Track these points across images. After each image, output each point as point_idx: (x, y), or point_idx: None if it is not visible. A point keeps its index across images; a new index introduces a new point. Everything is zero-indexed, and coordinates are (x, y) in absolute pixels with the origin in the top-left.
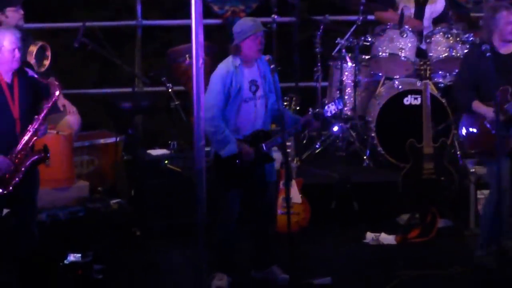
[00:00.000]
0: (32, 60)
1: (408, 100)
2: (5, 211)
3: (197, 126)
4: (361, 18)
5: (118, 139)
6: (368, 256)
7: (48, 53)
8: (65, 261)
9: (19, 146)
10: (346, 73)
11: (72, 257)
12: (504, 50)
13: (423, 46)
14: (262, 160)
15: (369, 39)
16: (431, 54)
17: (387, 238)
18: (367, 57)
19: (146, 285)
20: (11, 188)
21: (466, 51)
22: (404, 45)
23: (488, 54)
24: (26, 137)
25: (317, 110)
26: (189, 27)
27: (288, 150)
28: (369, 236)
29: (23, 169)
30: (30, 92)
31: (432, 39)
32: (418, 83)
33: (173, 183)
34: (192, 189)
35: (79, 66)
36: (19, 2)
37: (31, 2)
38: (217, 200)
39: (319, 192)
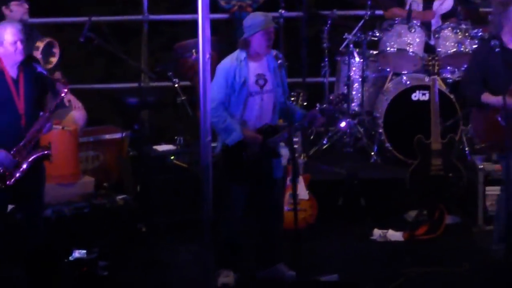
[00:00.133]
0: (38, 55)
1: (416, 95)
2: (10, 207)
3: (203, 122)
4: (369, 13)
5: (124, 134)
6: (375, 253)
7: (56, 50)
8: (70, 258)
9: (23, 142)
10: (354, 69)
11: (77, 254)
12: None
13: (432, 41)
14: (268, 155)
15: (377, 34)
16: (439, 50)
17: (394, 235)
18: (375, 52)
19: (152, 282)
20: (11, 183)
21: (474, 46)
22: (412, 40)
23: (497, 49)
24: (30, 133)
25: (324, 105)
26: (195, 22)
27: (295, 146)
28: (377, 232)
29: (24, 165)
30: (35, 87)
31: (441, 34)
32: (426, 79)
33: (179, 179)
34: (198, 185)
35: (85, 61)
36: None
37: None
38: (223, 196)
39: (326, 188)
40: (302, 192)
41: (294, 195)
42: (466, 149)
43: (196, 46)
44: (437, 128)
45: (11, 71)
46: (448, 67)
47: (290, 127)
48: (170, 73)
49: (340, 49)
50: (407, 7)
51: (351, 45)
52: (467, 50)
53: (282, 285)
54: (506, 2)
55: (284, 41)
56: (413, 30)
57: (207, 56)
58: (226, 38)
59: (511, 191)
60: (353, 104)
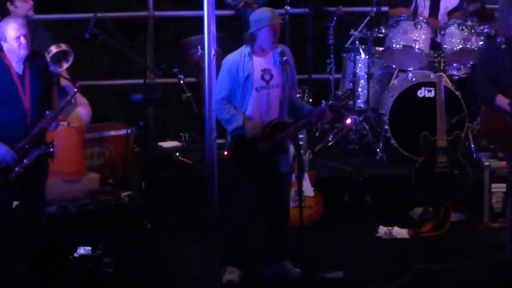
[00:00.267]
0: (47, 58)
1: (422, 92)
2: (15, 203)
3: (209, 118)
4: (374, 9)
5: (129, 131)
6: (380, 250)
7: (70, 58)
8: (75, 254)
9: (27, 139)
10: (360, 65)
11: (83, 250)
12: None
13: (438, 38)
14: (277, 150)
15: (383, 31)
16: (445, 46)
17: (400, 232)
18: (380, 49)
19: (157, 279)
20: (11, 177)
21: (480, 43)
22: (418, 37)
23: (503, 46)
24: (36, 131)
25: (332, 102)
26: (201, 18)
27: (301, 143)
28: (382, 229)
29: (25, 161)
30: (41, 82)
31: (447, 31)
32: (432, 76)
33: (185, 176)
34: (203, 182)
35: (90, 57)
36: None
37: None
38: (230, 191)
39: (331, 185)
40: (308, 189)
41: (300, 191)
42: (472, 146)
43: (201, 42)
44: (443, 125)
45: (17, 67)
46: (454, 64)
47: (298, 124)
48: (176, 69)
49: (346, 45)
50: (413, 5)
51: (357, 42)
52: (473, 47)
53: (287, 282)
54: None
55: (289, 37)
56: (419, 27)
57: (213, 52)
58: (232, 34)
59: None
60: (358, 101)
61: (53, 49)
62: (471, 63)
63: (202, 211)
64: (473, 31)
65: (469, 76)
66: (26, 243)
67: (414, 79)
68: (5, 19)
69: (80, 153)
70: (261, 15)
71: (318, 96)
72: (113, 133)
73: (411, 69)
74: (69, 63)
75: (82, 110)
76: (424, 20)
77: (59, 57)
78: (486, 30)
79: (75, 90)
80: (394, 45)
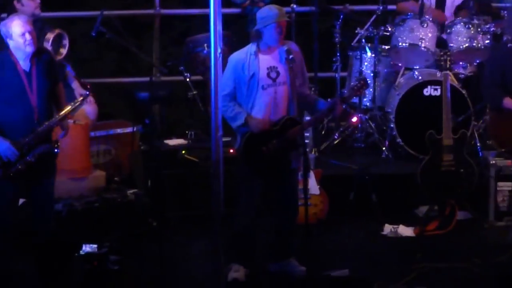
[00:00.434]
0: (48, 47)
1: (428, 91)
2: (21, 201)
3: (215, 116)
4: (381, 7)
5: (135, 128)
6: (386, 249)
7: (66, 42)
8: (81, 252)
9: (32, 136)
10: (366, 64)
11: (88, 248)
12: None
13: (444, 37)
14: (289, 147)
15: (389, 29)
16: (451, 45)
17: (405, 230)
18: (387, 47)
19: (163, 276)
20: (12, 173)
21: (487, 41)
22: (425, 35)
23: (509, 45)
24: (41, 129)
25: (344, 94)
26: (207, 16)
27: (307, 141)
28: (387, 228)
29: (28, 157)
30: (48, 79)
31: (453, 29)
32: (438, 74)
33: (190, 174)
34: (209, 180)
35: (96, 55)
36: None
37: None
38: (238, 188)
39: (337, 183)
40: (313, 187)
41: (305, 190)
42: (478, 144)
43: (207, 40)
44: (449, 124)
45: (24, 64)
46: (460, 62)
47: (310, 119)
48: (182, 67)
49: (352, 44)
50: (419, 0)
51: (363, 40)
52: (479, 45)
53: (293, 280)
54: None
55: (295, 35)
56: (425, 25)
57: (219, 50)
58: (238, 32)
59: None
60: (364, 99)
61: (50, 36)
62: (478, 61)
63: (208, 209)
64: (479, 29)
65: (475, 74)
66: (31, 240)
67: (420, 77)
68: (10, 16)
69: (86, 150)
70: (268, 12)
71: (324, 94)
72: (119, 131)
73: (417, 67)
74: (66, 48)
75: (88, 107)
76: (430, 18)
77: (57, 44)
78: (493, 28)
79: (87, 92)
80: (400, 44)
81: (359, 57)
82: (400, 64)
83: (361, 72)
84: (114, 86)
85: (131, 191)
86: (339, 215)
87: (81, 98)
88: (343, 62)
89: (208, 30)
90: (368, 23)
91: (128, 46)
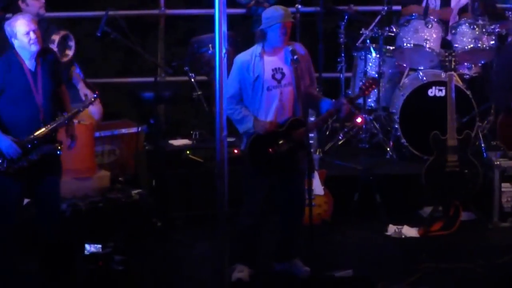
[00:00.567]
0: (54, 48)
1: (433, 91)
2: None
3: (219, 117)
4: (385, 8)
5: (140, 129)
6: (390, 249)
7: (72, 43)
8: (86, 252)
9: (35, 134)
10: (370, 64)
11: (93, 248)
12: None
13: (449, 37)
14: (296, 149)
15: (394, 30)
16: (456, 45)
17: (409, 231)
18: (391, 47)
19: (167, 276)
20: (14, 169)
21: (492, 42)
22: (429, 36)
23: None
24: (44, 130)
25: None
26: (212, 17)
27: (311, 141)
28: (392, 228)
29: (31, 156)
30: (53, 79)
31: (458, 30)
32: (443, 75)
33: (195, 174)
34: (213, 180)
35: (101, 55)
36: None
37: None
38: (244, 190)
39: (341, 184)
40: (318, 187)
41: (310, 190)
42: (482, 145)
43: (212, 41)
44: (453, 124)
45: (29, 64)
46: (465, 63)
47: (317, 119)
48: (186, 67)
49: (357, 44)
50: (424, 3)
51: (368, 41)
52: (484, 46)
53: (297, 280)
54: None
55: (300, 36)
56: (430, 26)
57: (224, 51)
58: (243, 33)
59: None
60: (369, 100)
61: (55, 37)
62: (482, 62)
63: (212, 209)
64: (484, 30)
65: (480, 75)
66: (37, 240)
67: (424, 78)
68: (14, 16)
69: (91, 150)
70: (273, 12)
71: (328, 95)
72: (123, 131)
73: (422, 68)
74: (72, 50)
75: (93, 108)
76: (435, 19)
77: (62, 45)
78: (497, 29)
79: (95, 95)
80: (405, 44)
81: (363, 57)
82: (404, 65)
83: (365, 72)
84: (119, 86)
85: (136, 191)
86: (343, 215)
87: (90, 101)
88: (347, 63)
89: (213, 31)
90: (373, 24)
91: (133, 46)
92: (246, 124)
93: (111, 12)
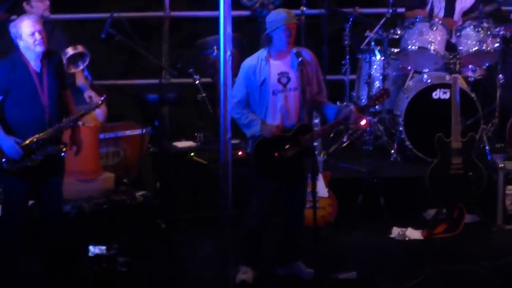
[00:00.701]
0: (64, 60)
1: (437, 94)
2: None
3: (223, 119)
4: (390, 10)
5: (144, 130)
6: (394, 251)
7: (81, 65)
8: (90, 253)
9: (38, 135)
10: (375, 66)
11: (97, 250)
12: None
13: (453, 40)
14: (303, 154)
15: (398, 32)
16: (461, 48)
17: (413, 233)
18: (396, 50)
19: (171, 278)
20: (15, 169)
21: (496, 44)
22: (434, 39)
23: None
24: (51, 131)
25: (360, 103)
26: (217, 19)
27: (315, 144)
28: (396, 231)
29: (35, 156)
30: (58, 80)
31: (462, 32)
32: (448, 77)
33: (199, 176)
34: (217, 182)
35: (106, 57)
36: None
37: None
38: (249, 192)
39: (345, 186)
40: (322, 190)
41: (314, 193)
42: (487, 147)
43: (217, 43)
44: (458, 127)
45: (35, 65)
46: (470, 66)
47: (325, 126)
48: (191, 69)
49: (361, 47)
50: (429, 6)
51: (373, 43)
52: (488, 48)
53: (300, 282)
54: None
55: (305, 38)
56: (434, 28)
57: (228, 53)
58: (248, 35)
59: None
60: None
61: (70, 51)
62: (487, 64)
63: (216, 211)
64: (489, 32)
65: (485, 77)
66: (41, 241)
67: (429, 80)
68: (19, 17)
69: (95, 152)
70: (276, 16)
71: (333, 97)
72: (128, 132)
73: (426, 70)
74: (86, 63)
75: (97, 109)
76: (440, 22)
77: (75, 58)
78: (502, 32)
79: (102, 98)
80: (409, 47)
81: (368, 60)
82: (409, 67)
83: (370, 75)
84: (124, 88)
85: (140, 193)
86: (347, 218)
87: (96, 104)
88: (352, 65)
89: (218, 33)
90: (378, 26)
91: (138, 48)
92: (253, 128)
93: (115, 14)
